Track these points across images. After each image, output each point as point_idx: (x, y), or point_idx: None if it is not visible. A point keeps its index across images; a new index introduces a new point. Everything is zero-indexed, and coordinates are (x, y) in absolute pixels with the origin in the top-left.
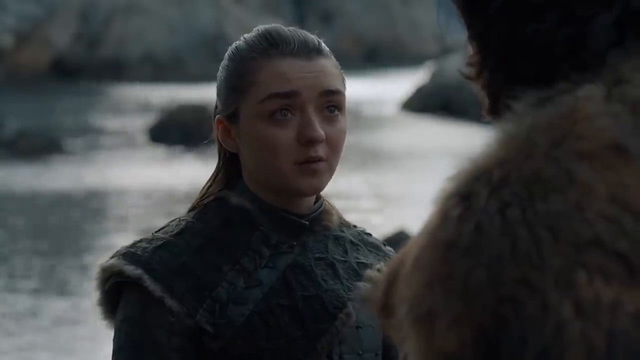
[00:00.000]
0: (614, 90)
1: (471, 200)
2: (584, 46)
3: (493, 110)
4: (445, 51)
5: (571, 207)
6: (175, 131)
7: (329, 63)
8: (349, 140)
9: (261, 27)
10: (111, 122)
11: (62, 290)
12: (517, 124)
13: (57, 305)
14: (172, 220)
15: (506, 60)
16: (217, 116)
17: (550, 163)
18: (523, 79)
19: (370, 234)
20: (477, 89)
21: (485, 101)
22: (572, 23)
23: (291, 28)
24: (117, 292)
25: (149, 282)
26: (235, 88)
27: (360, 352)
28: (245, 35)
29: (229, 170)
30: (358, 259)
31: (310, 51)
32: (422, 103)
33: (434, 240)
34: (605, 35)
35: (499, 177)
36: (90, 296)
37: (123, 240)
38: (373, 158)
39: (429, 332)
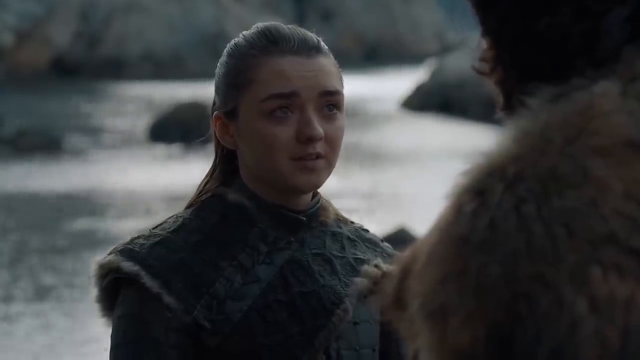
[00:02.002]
0: (629, 86)
1: (485, 195)
2: (599, 42)
3: (507, 106)
4: (445, 49)
5: (586, 204)
6: (175, 129)
7: (328, 61)
8: (349, 139)
9: (260, 25)
10: (111, 121)
11: (61, 288)
12: (531, 120)
13: (56, 304)
14: (170, 217)
15: (520, 55)
16: (215, 112)
17: (566, 159)
18: (537, 74)
19: (367, 230)
20: (490, 85)
21: (499, 97)
22: (586, 18)
23: (290, 26)
24: (114, 288)
25: (146, 279)
26: (234, 85)
27: (357, 348)
28: (244, 32)
29: (226, 166)
30: (355, 255)
31: (310, 49)
32: (422, 101)
33: (447, 235)
34: (618, 30)
35: (513, 173)
36: (90, 294)
37: (123, 238)
38: (372, 156)
39: (441, 328)
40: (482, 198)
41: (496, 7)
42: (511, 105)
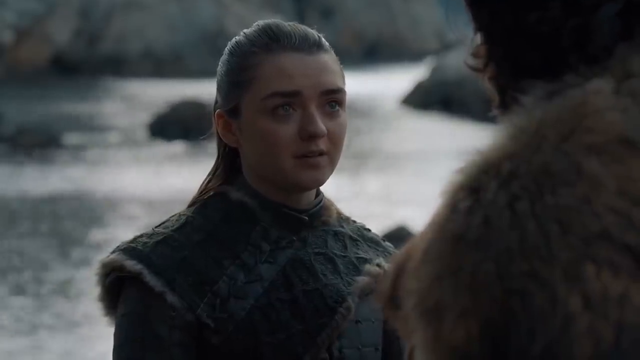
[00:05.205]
0: (623, 84)
1: (480, 193)
2: (590, 38)
3: (502, 103)
4: (445, 47)
5: (580, 201)
6: (175, 127)
7: (330, 58)
8: (348, 137)
9: (261, 22)
10: (111, 118)
11: (62, 287)
12: (526, 117)
13: (57, 303)
14: (172, 216)
15: (512, 50)
16: (217, 110)
17: (560, 156)
18: (530, 70)
19: (369, 230)
20: (484, 81)
21: (493, 93)
22: (577, 13)
23: (290, 23)
24: (117, 287)
25: (149, 277)
26: (236, 83)
27: (360, 347)
28: (245, 30)
29: (228, 165)
30: (357, 254)
31: (311, 46)
32: (421, 99)
33: (443, 233)
34: (610, 26)
35: (508, 171)
36: (90, 294)
37: (122, 236)
38: (372, 155)
39: (437, 324)
40: (477, 195)
41: (488, 2)
42: (505, 102)
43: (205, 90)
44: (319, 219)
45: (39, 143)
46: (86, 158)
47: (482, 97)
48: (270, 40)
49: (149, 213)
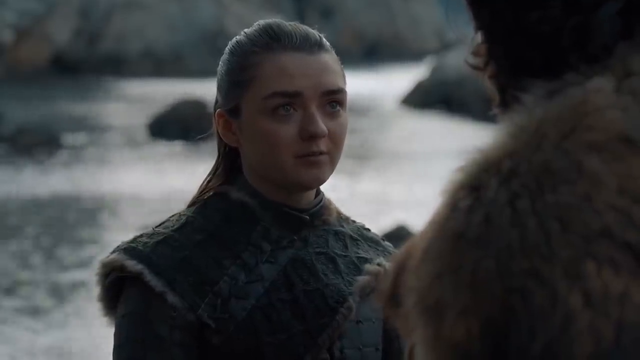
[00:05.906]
0: (623, 82)
1: (480, 191)
2: (590, 37)
3: (502, 102)
4: (445, 47)
5: (580, 199)
6: (175, 127)
7: (331, 58)
8: (348, 136)
9: (262, 22)
10: (111, 118)
11: (59, 289)
12: (526, 116)
13: (56, 304)
14: (173, 215)
15: (512, 49)
16: (218, 110)
17: (560, 154)
18: (531, 69)
19: (369, 229)
20: (484, 80)
21: (494, 92)
22: (577, 12)
23: (292, 23)
24: (117, 287)
25: (150, 277)
26: (237, 82)
27: (361, 347)
28: (246, 30)
29: (229, 164)
30: (358, 253)
31: (312, 45)
32: (422, 99)
33: (443, 231)
34: (610, 25)
35: (508, 169)
36: (90, 295)
37: (122, 237)
38: (371, 154)
39: (437, 322)
40: (477, 194)
41: (489, 1)
42: (506, 101)
43: (206, 90)
44: (319, 219)
45: (39, 143)
46: (86, 158)
47: (482, 97)
48: (271, 40)
49: (149, 213)
